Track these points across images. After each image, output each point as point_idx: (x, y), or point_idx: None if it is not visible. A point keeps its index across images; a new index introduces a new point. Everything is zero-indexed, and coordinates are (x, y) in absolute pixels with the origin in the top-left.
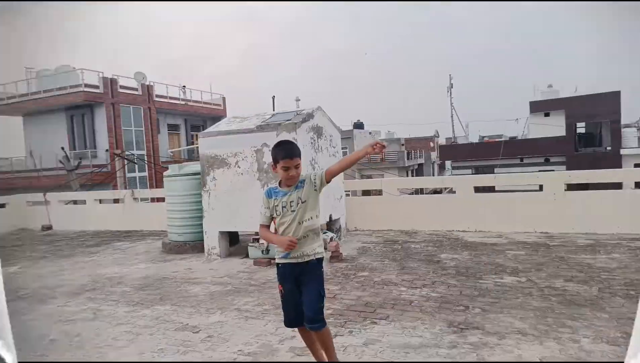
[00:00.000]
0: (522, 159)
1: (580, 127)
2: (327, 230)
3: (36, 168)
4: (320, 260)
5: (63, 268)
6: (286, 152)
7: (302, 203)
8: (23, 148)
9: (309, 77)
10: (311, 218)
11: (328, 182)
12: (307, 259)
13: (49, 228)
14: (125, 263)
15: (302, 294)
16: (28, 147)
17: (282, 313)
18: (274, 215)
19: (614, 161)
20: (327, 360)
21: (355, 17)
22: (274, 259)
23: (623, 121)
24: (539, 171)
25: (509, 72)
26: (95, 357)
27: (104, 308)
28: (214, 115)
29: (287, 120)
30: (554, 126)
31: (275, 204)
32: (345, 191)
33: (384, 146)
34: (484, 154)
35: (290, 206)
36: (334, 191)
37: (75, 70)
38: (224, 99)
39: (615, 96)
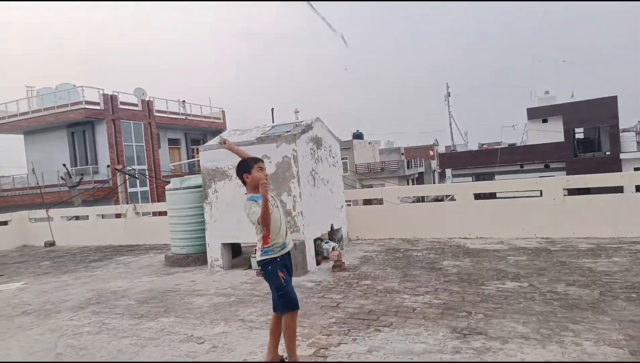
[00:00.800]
0: (522, 166)
1: (579, 133)
2: (328, 239)
3: (38, 185)
4: None
5: (67, 283)
6: (256, 158)
7: (275, 199)
8: (25, 166)
9: (306, 88)
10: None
11: None
12: (291, 245)
13: (52, 244)
14: (128, 277)
15: None
16: (30, 164)
17: (287, 300)
18: None
19: (614, 165)
20: (272, 343)
21: (353, 26)
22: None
23: (621, 126)
24: (539, 177)
25: (506, 79)
26: None
27: (109, 322)
28: (214, 128)
29: (287, 132)
30: (553, 132)
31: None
32: (347, 201)
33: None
34: (483, 162)
35: (273, 204)
36: (335, 201)
37: (76, 87)
38: (223, 112)
39: (612, 100)
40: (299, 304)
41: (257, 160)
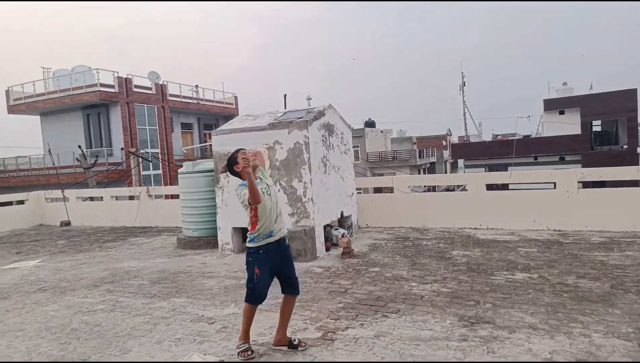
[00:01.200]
0: (536, 158)
1: (596, 126)
2: (338, 226)
3: (54, 166)
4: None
5: (82, 262)
6: (236, 149)
7: (270, 187)
8: (41, 146)
9: (319, 76)
10: (278, 199)
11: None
12: (284, 233)
13: (68, 223)
14: (141, 257)
15: (284, 270)
16: (46, 145)
17: (253, 296)
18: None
19: (631, 159)
20: (284, 328)
21: (365, 15)
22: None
23: None
24: (554, 169)
25: (523, 70)
26: (114, 344)
27: (123, 300)
28: (226, 114)
29: (299, 118)
30: (569, 124)
31: None
32: (357, 189)
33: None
34: (497, 153)
35: (266, 192)
36: (346, 188)
37: (91, 70)
38: (235, 98)
39: (632, 93)
40: (260, 302)
41: (237, 150)
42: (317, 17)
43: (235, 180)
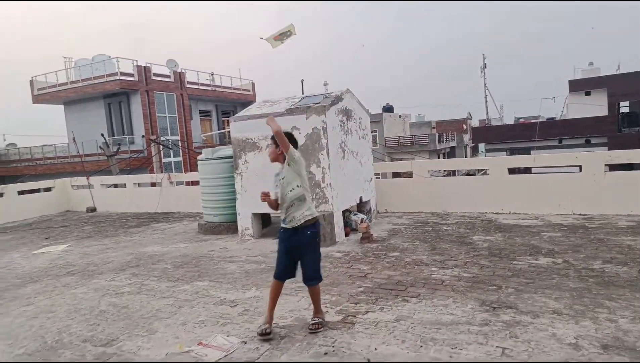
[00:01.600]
0: (560, 141)
1: (624, 107)
2: (357, 211)
3: (79, 154)
4: (314, 226)
5: (108, 247)
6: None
7: (282, 179)
8: (66, 135)
9: (337, 61)
10: (293, 189)
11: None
12: (298, 223)
13: (93, 210)
14: (164, 242)
15: (299, 257)
16: (70, 133)
17: (275, 269)
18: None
19: None
20: (313, 311)
21: (379, 11)
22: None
23: None
24: (579, 152)
25: (546, 50)
26: (141, 325)
27: (148, 283)
28: (244, 100)
29: (317, 103)
30: (596, 106)
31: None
32: (376, 174)
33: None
34: (519, 136)
35: (278, 183)
36: (364, 173)
37: (111, 59)
38: (252, 84)
39: None
40: (279, 278)
41: (272, 137)
42: (331, 12)
43: (255, 165)
